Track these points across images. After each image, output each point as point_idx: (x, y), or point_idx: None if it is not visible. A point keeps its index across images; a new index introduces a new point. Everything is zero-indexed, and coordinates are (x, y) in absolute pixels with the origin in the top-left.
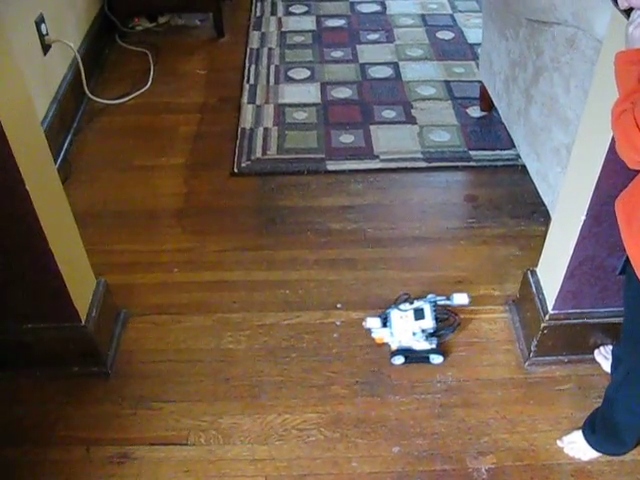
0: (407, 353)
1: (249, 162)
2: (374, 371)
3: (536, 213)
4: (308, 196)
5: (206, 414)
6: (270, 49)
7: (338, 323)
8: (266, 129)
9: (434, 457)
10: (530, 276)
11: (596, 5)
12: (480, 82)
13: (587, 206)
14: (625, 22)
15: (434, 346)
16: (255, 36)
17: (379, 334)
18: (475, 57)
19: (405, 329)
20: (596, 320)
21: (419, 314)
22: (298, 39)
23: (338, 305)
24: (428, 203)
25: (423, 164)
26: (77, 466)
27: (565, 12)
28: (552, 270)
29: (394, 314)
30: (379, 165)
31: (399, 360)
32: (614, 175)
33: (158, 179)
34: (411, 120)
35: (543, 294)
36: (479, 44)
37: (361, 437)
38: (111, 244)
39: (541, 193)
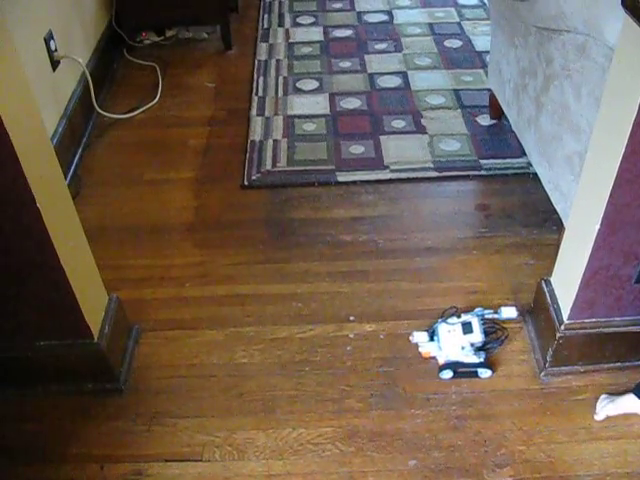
0: (455, 367)
1: (259, 175)
2: (389, 384)
3: (548, 221)
4: (319, 208)
5: (220, 429)
6: (278, 60)
7: (352, 336)
8: (275, 141)
9: (451, 470)
10: (544, 285)
11: (607, 13)
12: (489, 90)
13: (602, 215)
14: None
15: (482, 360)
16: (263, 48)
17: (426, 348)
18: (483, 65)
19: (453, 343)
20: (612, 329)
21: (467, 328)
22: (306, 50)
23: (351, 317)
24: (439, 213)
25: (434, 174)
26: None
27: (575, 20)
28: (567, 279)
29: (442, 328)
30: (389, 175)
31: (447, 374)
32: (629, 183)
33: (168, 193)
34: (421, 130)
35: (558, 304)
36: (487, 52)
37: (377, 451)
38: (122, 259)
39: (553, 201)
